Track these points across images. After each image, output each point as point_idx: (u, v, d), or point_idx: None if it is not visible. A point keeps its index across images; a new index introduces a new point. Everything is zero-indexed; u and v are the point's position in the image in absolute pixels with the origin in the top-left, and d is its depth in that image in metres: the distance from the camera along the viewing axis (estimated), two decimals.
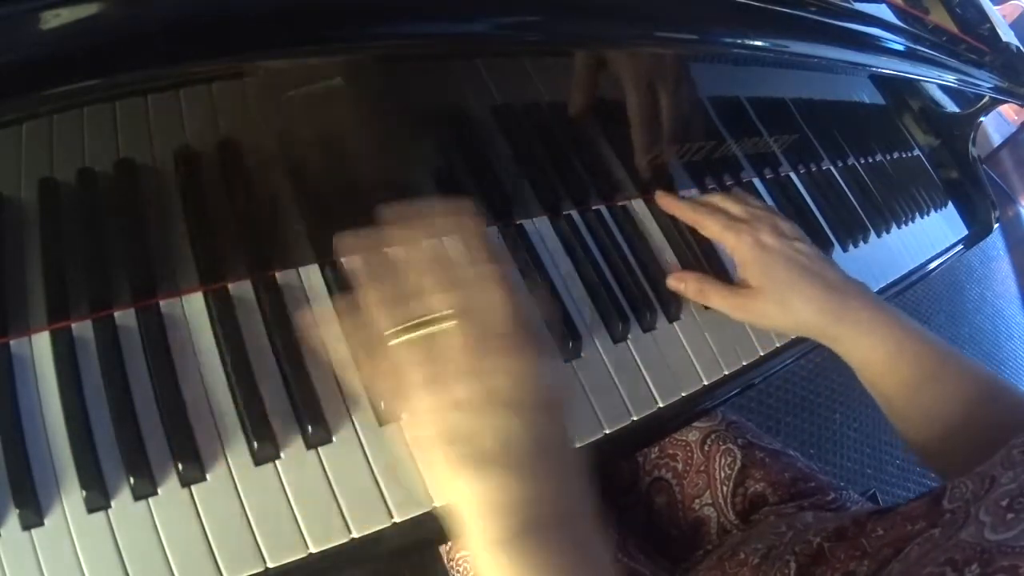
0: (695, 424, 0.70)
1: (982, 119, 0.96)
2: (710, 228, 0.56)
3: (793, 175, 0.76)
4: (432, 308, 0.35)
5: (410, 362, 0.34)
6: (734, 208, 0.57)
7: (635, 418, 0.50)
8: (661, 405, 0.51)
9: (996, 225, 1.02)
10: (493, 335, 0.35)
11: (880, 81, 0.83)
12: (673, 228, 0.60)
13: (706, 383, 0.55)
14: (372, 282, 0.36)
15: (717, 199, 0.59)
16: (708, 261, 0.60)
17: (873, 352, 0.50)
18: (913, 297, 2.14)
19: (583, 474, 0.35)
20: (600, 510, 0.35)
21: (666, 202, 0.60)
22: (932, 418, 0.49)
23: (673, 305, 0.56)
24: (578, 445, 0.46)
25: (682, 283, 0.55)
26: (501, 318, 0.35)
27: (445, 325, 0.34)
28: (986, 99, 0.91)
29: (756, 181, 0.71)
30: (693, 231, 0.61)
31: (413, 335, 0.34)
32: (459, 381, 0.33)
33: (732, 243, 0.54)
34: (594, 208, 0.57)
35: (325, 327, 0.40)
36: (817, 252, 0.55)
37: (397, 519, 0.40)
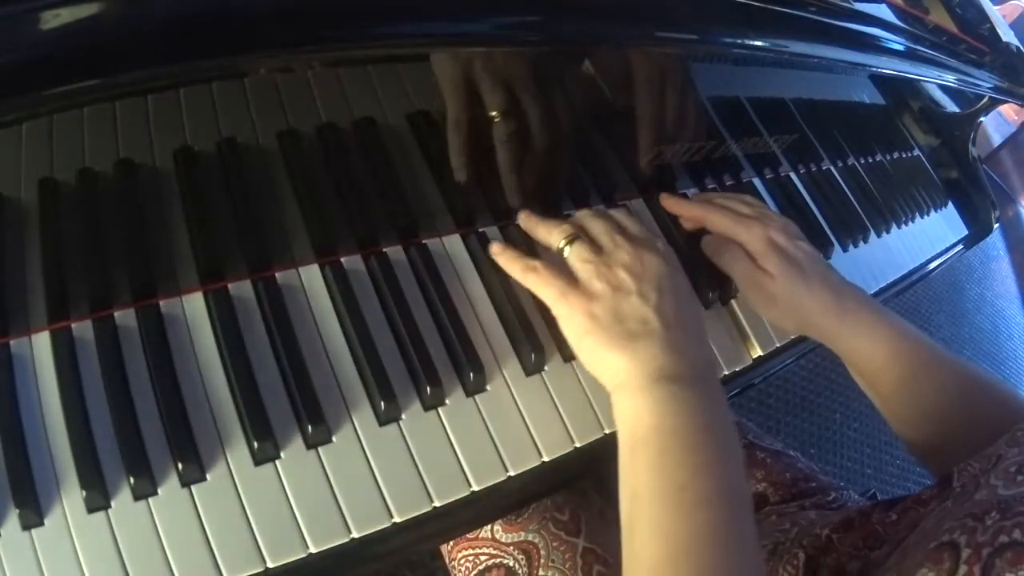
0: None
1: (982, 119, 0.96)
2: (720, 223, 0.57)
3: (793, 175, 0.76)
4: (594, 231, 0.47)
5: (580, 259, 0.45)
6: (740, 207, 0.58)
7: None
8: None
9: (996, 225, 1.02)
10: (644, 246, 0.46)
11: (880, 81, 0.83)
12: (673, 228, 0.60)
13: None
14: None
15: (720, 198, 0.60)
16: (708, 262, 0.60)
17: (868, 350, 0.52)
18: (913, 297, 2.14)
19: (709, 353, 0.47)
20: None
21: (671, 203, 0.60)
22: (926, 417, 0.50)
23: None
24: (578, 445, 0.47)
25: (716, 246, 0.57)
26: (645, 236, 0.48)
27: (604, 238, 0.47)
28: (986, 99, 0.91)
29: (756, 181, 0.71)
30: (692, 233, 0.61)
31: (579, 242, 0.46)
32: (620, 269, 0.44)
33: (744, 236, 0.55)
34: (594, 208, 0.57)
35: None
36: (817, 254, 0.56)
37: (397, 519, 0.40)
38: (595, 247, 0.46)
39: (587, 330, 0.43)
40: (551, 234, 0.47)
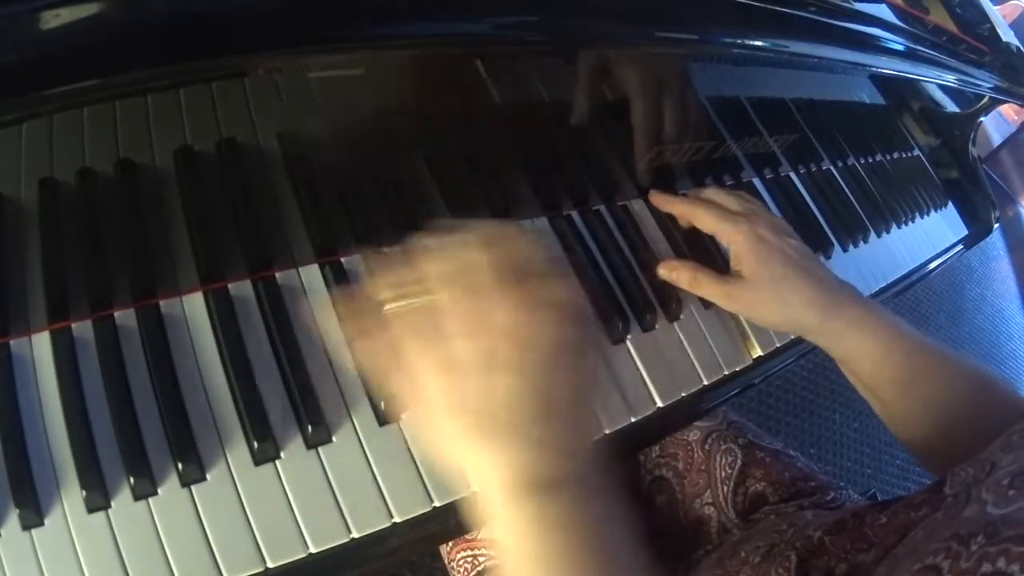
0: (696, 424, 0.70)
1: (982, 119, 0.96)
2: (706, 220, 0.56)
3: (793, 175, 0.76)
4: (425, 281, 0.35)
5: (408, 329, 0.34)
6: (729, 202, 0.57)
7: (635, 418, 0.50)
8: (661, 405, 0.51)
9: (996, 225, 1.02)
10: (487, 299, 0.34)
11: (880, 81, 0.83)
12: (673, 228, 0.61)
13: (706, 383, 0.55)
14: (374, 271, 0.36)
15: (711, 193, 0.59)
16: (706, 261, 0.60)
17: (861, 348, 0.51)
18: (913, 297, 2.14)
19: (593, 430, 0.37)
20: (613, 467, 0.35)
21: (660, 200, 0.59)
22: (921, 413, 0.50)
23: (673, 305, 0.56)
24: None
25: (674, 271, 0.55)
26: (489, 280, 0.34)
27: (438, 295, 0.34)
28: (986, 99, 0.91)
29: (756, 181, 0.71)
30: (690, 231, 0.61)
31: (407, 302, 0.34)
32: (456, 342, 0.33)
33: (729, 235, 0.54)
34: (594, 208, 0.57)
35: (327, 319, 0.40)
36: (808, 251, 0.55)
37: (397, 519, 0.40)
38: (432, 314, 0.34)
39: (428, 422, 0.34)
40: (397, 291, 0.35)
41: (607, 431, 0.48)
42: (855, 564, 0.41)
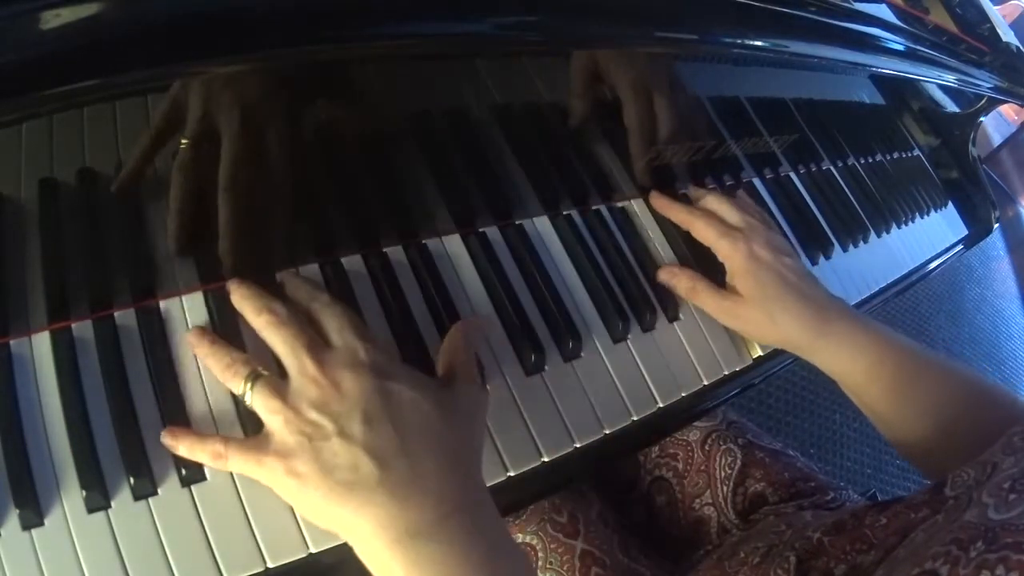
0: (696, 424, 0.70)
1: (982, 119, 0.96)
2: (704, 233, 0.57)
3: (793, 175, 0.76)
4: (279, 351, 0.37)
5: (266, 409, 0.36)
6: (729, 215, 0.58)
7: (635, 418, 0.50)
8: (661, 405, 0.52)
9: (996, 225, 1.02)
10: (338, 363, 0.37)
11: (880, 81, 0.83)
12: (673, 228, 0.61)
13: (706, 383, 0.55)
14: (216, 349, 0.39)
15: (712, 201, 0.59)
16: (707, 261, 0.60)
17: (853, 363, 0.52)
18: (913, 297, 2.14)
19: (468, 469, 0.38)
20: (490, 498, 0.37)
21: (660, 203, 0.60)
22: (918, 422, 0.50)
23: (673, 305, 0.56)
24: (578, 445, 0.47)
25: (674, 278, 0.56)
26: (342, 341, 0.38)
27: (289, 361, 0.37)
28: (986, 99, 0.91)
29: (756, 181, 0.71)
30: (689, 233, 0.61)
31: (261, 383, 0.36)
32: (311, 409, 0.35)
33: (726, 252, 0.55)
34: (594, 208, 0.57)
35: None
36: (803, 268, 0.56)
37: None
38: (280, 385, 0.37)
39: (295, 490, 0.35)
40: (228, 379, 0.37)
41: (607, 431, 0.48)
42: (854, 565, 0.41)
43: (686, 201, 0.61)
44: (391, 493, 0.34)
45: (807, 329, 0.52)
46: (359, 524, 0.34)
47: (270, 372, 0.37)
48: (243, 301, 0.40)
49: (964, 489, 0.38)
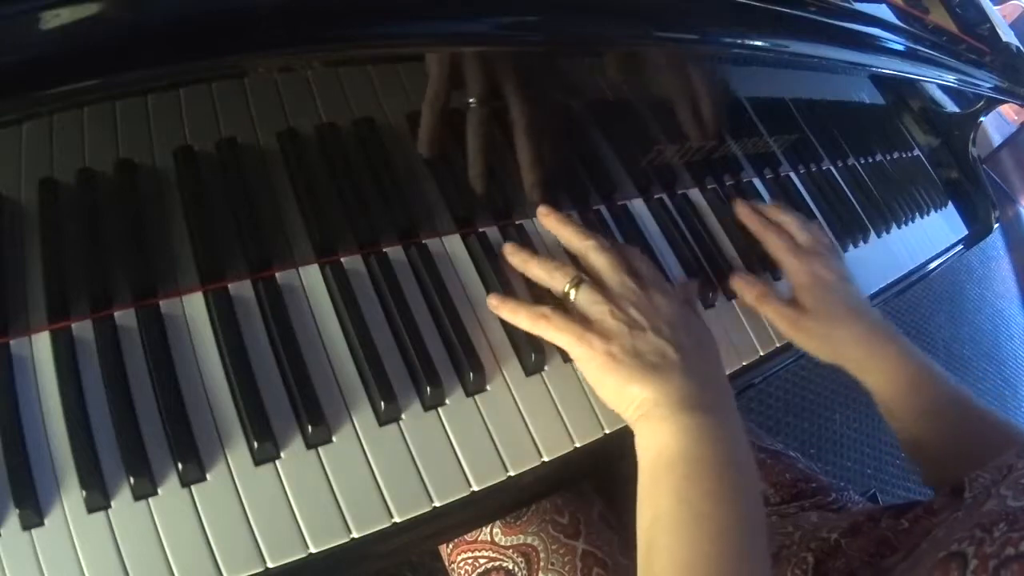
0: None
1: (982, 119, 0.96)
2: (775, 247, 0.61)
3: (793, 175, 0.76)
4: (599, 268, 0.47)
5: (590, 301, 0.45)
6: (800, 236, 0.62)
7: None
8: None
9: (996, 225, 1.02)
10: (652, 284, 0.47)
11: (880, 81, 0.83)
12: (672, 229, 0.61)
13: None
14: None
15: (787, 221, 0.63)
16: (708, 262, 0.60)
17: (890, 384, 0.56)
18: (913, 297, 2.14)
19: (724, 378, 0.47)
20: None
21: (744, 212, 0.64)
22: (938, 447, 0.54)
23: None
24: (578, 444, 0.47)
25: (747, 285, 0.60)
26: (652, 275, 0.48)
27: (611, 276, 0.46)
28: (986, 99, 0.91)
29: (756, 181, 0.71)
30: (694, 233, 0.62)
31: (585, 285, 0.46)
32: (631, 308, 0.45)
33: (793, 268, 0.60)
34: (594, 208, 0.57)
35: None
36: (861, 294, 0.60)
37: (397, 519, 0.40)
38: (602, 288, 0.46)
39: (608, 368, 0.43)
40: (553, 277, 0.47)
41: (607, 431, 0.48)
42: (879, 569, 0.42)
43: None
44: (685, 374, 0.43)
45: (862, 349, 0.56)
46: (653, 397, 0.42)
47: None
48: (560, 224, 0.50)
49: (982, 490, 0.39)
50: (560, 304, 0.46)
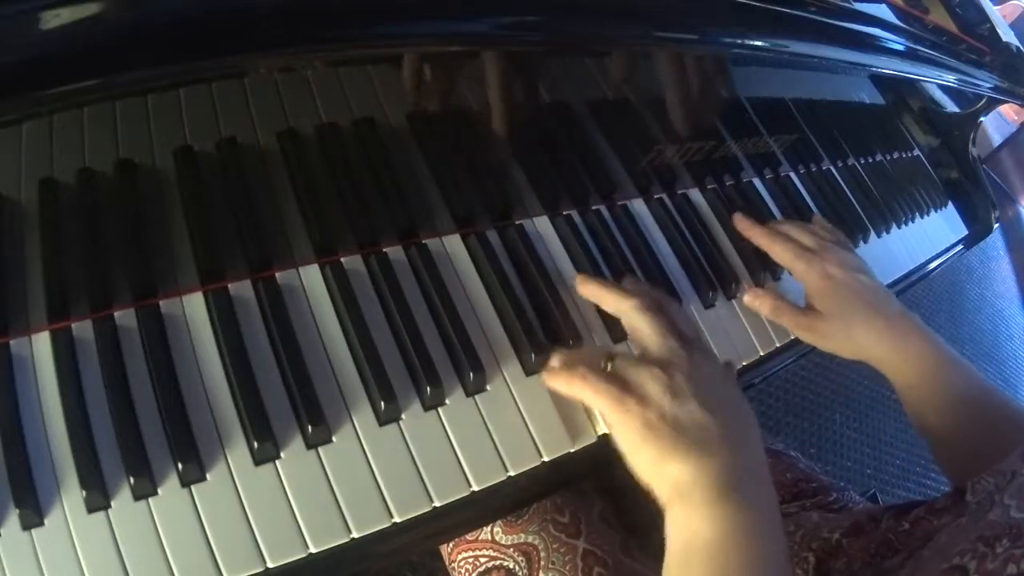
0: None
1: (982, 119, 0.96)
2: (781, 256, 0.60)
3: (793, 175, 0.76)
4: (644, 329, 0.45)
5: (631, 362, 0.43)
6: (805, 238, 0.61)
7: None
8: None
9: (996, 225, 1.02)
10: (696, 348, 0.44)
11: (880, 81, 0.83)
12: (672, 229, 0.61)
13: None
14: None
15: (789, 228, 0.63)
16: (708, 262, 0.60)
17: (912, 374, 0.55)
18: (913, 297, 2.14)
19: (764, 455, 0.45)
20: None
21: (743, 225, 0.63)
22: (959, 442, 0.53)
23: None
24: (575, 448, 0.47)
25: (757, 299, 0.60)
26: (695, 336, 0.46)
27: (655, 337, 0.44)
28: (986, 99, 0.91)
29: (756, 181, 0.71)
30: (694, 233, 0.62)
31: (619, 357, 0.43)
32: (677, 373, 0.42)
33: (802, 272, 0.59)
34: (594, 208, 0.57)
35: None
36: (877, 283, 0.59)
37: (397, 519, 0.40)
38: (645, 351, 0.44)
39: (645, 438, 0.40)
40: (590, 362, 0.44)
41: (607, 431, 0.48)
42: (880, 570, 0.42)
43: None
44: (727, 454, 0.40)
45: (882, 342, 0.55)
46: (693, 479, 0.39)
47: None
48: (600, 290, 0.48)
49: (985, 495, 0.39)
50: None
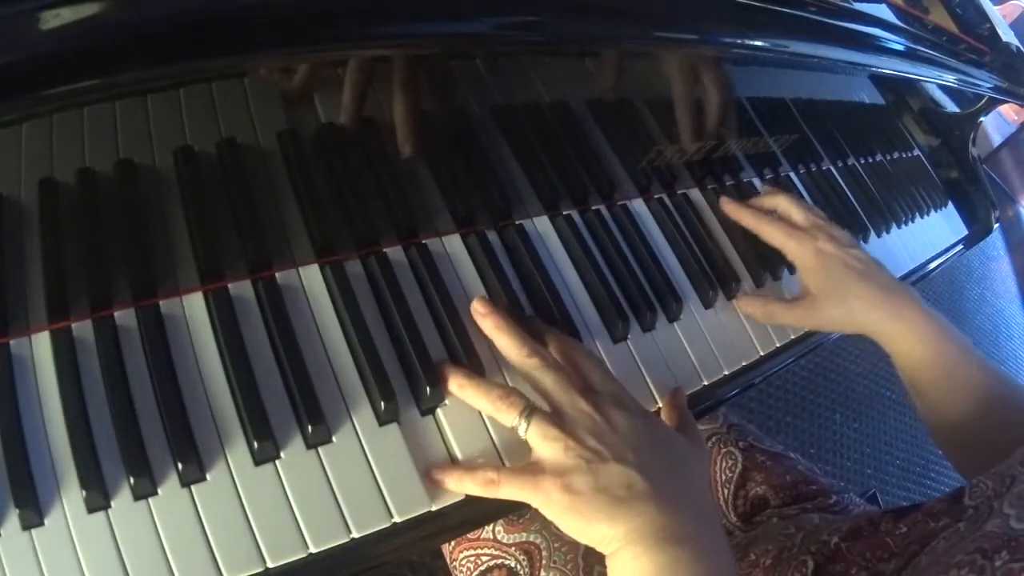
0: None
1: (982, 119, 0.96)
2: (772, 236, 0.60)
3: (793, 175, 0.76)
4: (549, 391, 0.42)
5: (543, 437, 0.40)
6: (795, 215, 0.61)
7: None
8: (661, 406, 0.51)
9: (996, 225, 1.02)
10: (609, 403, 0.42)
11: (880, 81, 0.83)
12: (672, 229, 0.61)
13: (706, 383, 0.55)
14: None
15: (778, 201, 0.62)
16: (708, 262, 0.60)
17: (914, 349, 0.55)
18: None
19: (705, 496, 0.43)
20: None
21: (730, 208, 0.63)
22: (957, 416, 0.53)
23: (673, 305, 0.56)
24: None
25: (748, 307, 0.59)
26: (607, 388, 0.43)
27: (561, 398, 0.41)
28: (986, 99, 0.91)
29: (756, 181, 0.71)
30: (694, 233, 0.62)
31: (536, 417, 0.40)
32: (589, 437, 0.40)
33: (794, 251, 0.59)
34: (594, 208, 0.57)
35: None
36: (868, 256, 0.59)
37: (397, 519, 0.40)
38: (554, 417, 0.41)
39: (569, 510, 0.39)
40: (501, 411, 0.41)
41: None
42: (876, 572, 0.42)
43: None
44: (656, 503, 0.39)
45: (879, 312, 0.55)
46: (623, 534, 0.38)
47: (539, 407, 0.41)
48: (498, 332, 0.44)
49: (983, 499, 0.39)
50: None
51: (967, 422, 0.53)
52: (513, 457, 0.44)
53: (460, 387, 0.42)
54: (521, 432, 0.41)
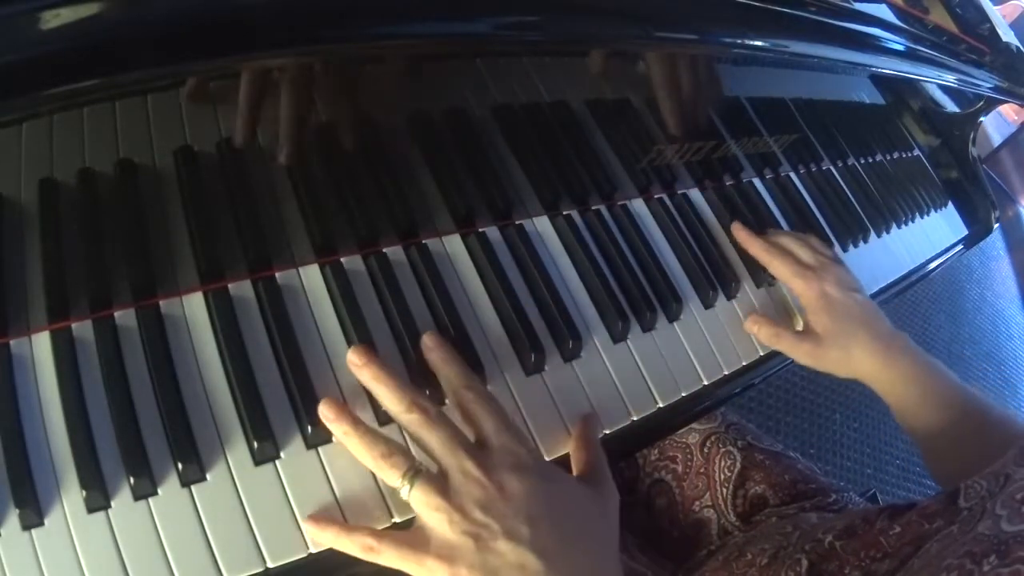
0: (695, 426, 0.70)
1: (982, 119, 0.96)
2: (780, 270, 0.61)
3: (793, 175, 0.76)
4: (435, 452, 0.38)
5: (427, 506, 0.36)
6: (803, 254, 0.62)
7: (635, 418, 0.50)
8: (661, 405, 0.52)
9: (996, 225, 1.02)
10: (499, 464, 0.38)
11: (880, 81, 0.83)
12: (673, 229, 0.61)
13: (706, 383, 0.55)
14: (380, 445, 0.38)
15: (788, 241, 0.63)
16: (708, 262, 0.60)
17: (906, 394, 0.56)
18: (913, 297, 2.14)
19: (615, 558, 0.40)
20: None
21: (742, 236, 0.63)
22: (957, 461, 0.54)
23: (673, 305, 0.56)
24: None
25: (756, 326, 0.60)
26: (499, 442, 0.39)
27: (448, 461, 0.37)
28: (986, 99, 0.91)
29: (756, 181, 0.71)
30: (694, 233, 0.62)
31: (420, 480, 0.37)
32: (476, 509, 0.36)
33: (800, 289, 0.60)
34: (594, 208, 0.57)
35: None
36: (870, 303, 0.60)
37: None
38: (440, 482, 0.37)
39: None
40: (383, 469, 0.37)
41: (607, 431, 0.48)
42: (869, 572, 0.42)
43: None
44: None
45: (876, 362, 0.57)
46: None
47: (427, 467, 0.37)
48: (376, 382, 0.39)
49: (977, 500, 0.39)
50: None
51: (955, 448, 0.54)
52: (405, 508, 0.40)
53: (344, 435, 0.38)
54: (404, 495, 0.37)
